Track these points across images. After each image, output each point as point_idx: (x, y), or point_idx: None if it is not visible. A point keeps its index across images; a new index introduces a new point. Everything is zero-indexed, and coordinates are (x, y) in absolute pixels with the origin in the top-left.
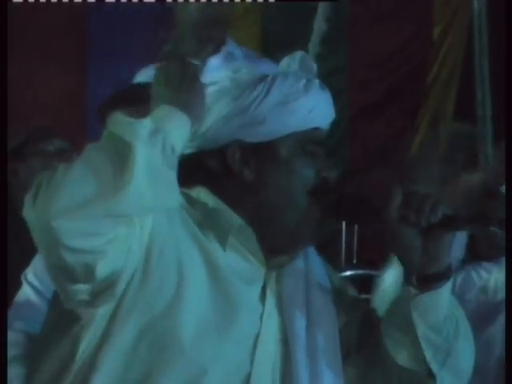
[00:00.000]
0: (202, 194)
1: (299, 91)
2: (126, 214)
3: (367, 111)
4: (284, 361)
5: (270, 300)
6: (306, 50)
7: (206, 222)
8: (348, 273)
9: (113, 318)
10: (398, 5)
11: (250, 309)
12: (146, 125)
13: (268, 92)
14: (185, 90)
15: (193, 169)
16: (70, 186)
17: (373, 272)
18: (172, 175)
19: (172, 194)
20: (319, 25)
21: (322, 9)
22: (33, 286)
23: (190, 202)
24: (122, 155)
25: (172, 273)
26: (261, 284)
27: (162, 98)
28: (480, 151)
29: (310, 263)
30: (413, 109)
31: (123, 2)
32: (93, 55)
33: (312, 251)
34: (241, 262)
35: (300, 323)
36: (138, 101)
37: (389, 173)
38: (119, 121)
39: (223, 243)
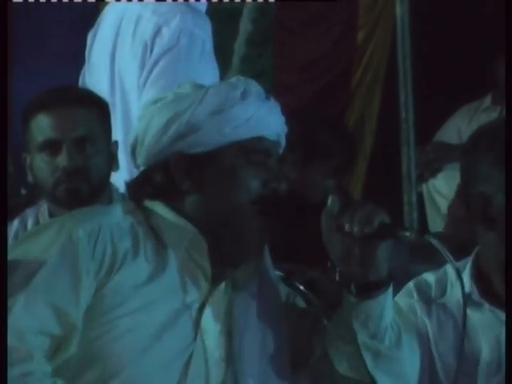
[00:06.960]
0: (156, 206)
1: (235, 99)
2: None
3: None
4: (229, 381)
5: (209, 318)
6: (232, 50)
7: (162, 233)
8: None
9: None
10: (323, 8)
11: (180, 328)
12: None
13: (202, 100)
14: None
15: (143, 185)
16: None
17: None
18: None
19: None
20: (245, 25)
21: (247, 9)
22: None
23: (146, 214)
24: None
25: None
26: (199, 301)
27: None
28: (402, 154)
29: (265, 278)
30: (339, 112)
31: (47, 4)
32: (16, 57)
33: (268, 263)
34: (183, 278)
35: (252, 344)
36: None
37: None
38: None
39: (179, 252)
